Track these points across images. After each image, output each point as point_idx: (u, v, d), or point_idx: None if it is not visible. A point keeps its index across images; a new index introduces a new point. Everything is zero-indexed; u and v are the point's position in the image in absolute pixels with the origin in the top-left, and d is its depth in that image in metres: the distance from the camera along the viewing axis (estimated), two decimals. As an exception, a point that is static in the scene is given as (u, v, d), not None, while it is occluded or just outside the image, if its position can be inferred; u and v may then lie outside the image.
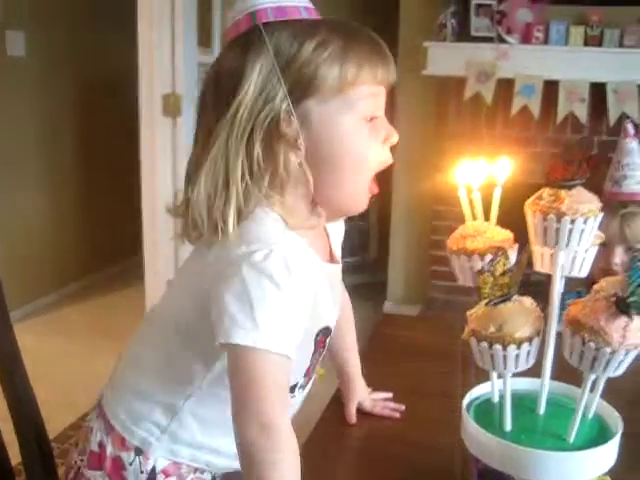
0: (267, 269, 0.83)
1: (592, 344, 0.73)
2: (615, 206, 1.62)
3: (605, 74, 3.48)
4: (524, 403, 0.87)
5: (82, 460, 1.06)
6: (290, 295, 0.84)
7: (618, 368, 0.75)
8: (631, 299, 0.72)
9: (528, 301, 0.79)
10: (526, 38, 3.60)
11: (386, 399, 1.23)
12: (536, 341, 0.78)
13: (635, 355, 0.75)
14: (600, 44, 3.54)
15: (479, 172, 0.87)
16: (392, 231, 4.13)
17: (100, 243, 4.37)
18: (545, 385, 0.85)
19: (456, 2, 3.63)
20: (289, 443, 0.83)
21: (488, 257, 0.82)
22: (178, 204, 0.95)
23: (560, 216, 0.76)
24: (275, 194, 0.89)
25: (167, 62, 3.14)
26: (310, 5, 0.93)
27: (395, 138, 0.94)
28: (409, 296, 4.13)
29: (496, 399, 0.88)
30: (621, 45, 3.52)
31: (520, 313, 0.77)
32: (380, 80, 0.91)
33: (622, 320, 0.73)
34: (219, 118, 0.88)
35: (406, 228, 4.09)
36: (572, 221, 0.76)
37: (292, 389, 1.01)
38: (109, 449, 1.02)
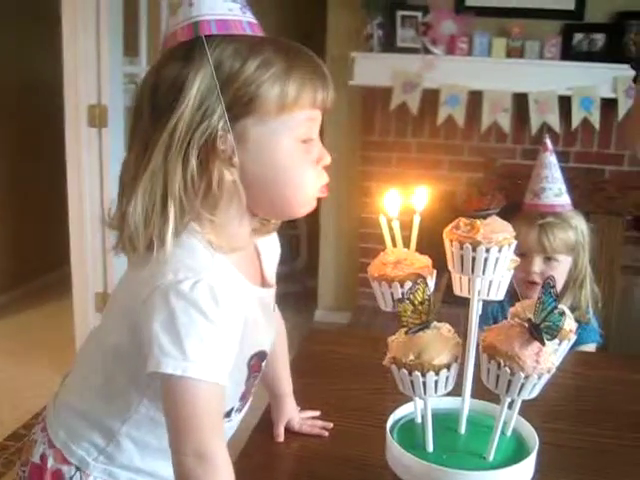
0: (194, 299, 0.83)
1: (507, 369, 0.76)
2: (534, 217, 1.67)
3: (527, 85, 3.58)
4: (446, 422, 0.90)
5: (24, 472, 1.05)
6: (218, 324, 0.84)
7: (532, 391, 0.78)
8: (544, 324, 0.76)
9: (446, 328, 0.82)
10: (451, 49, 3.67)
11: (313, 417, 1.24)
12: (454, 367, 0.81)
13: (547, 378, 0.78)
14: (522, 55, 3.63)
15: (396, 202, 0.89)
16: (321, 240, 4.16)
17: (27, 255, 4.27)
18: (465, 406, 0.88)
19: (382, 13, 3.67)
20: (225, 469, 0.84)
21: (408, 284, 0.84)
22: (112, 216, 0.93)
23: (476, 245, 0.78)
24: (206, 212, 0.89)
25: (92, 72, 3.09)
26: (254, 20, 0.92)
27: (328, 160, 0.94)
28: (339, 304, 4.16)
29: (419, 420, 0.90)
30: (541, 57, 3.62)
31: (438, 340, 0.79)
32: (319, 104, 0.91)
33: (535, 346, 0.76)
34: (157, 130, 0.86)
35: (335, 236, 4.12)
36: (487, 250, 0.78)
37: (228, 414, 1.02)
38: (50, 462, 1.01)
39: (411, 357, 0.78)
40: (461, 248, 0.79)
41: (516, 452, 0.86)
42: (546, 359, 0.76)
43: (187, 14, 0.88)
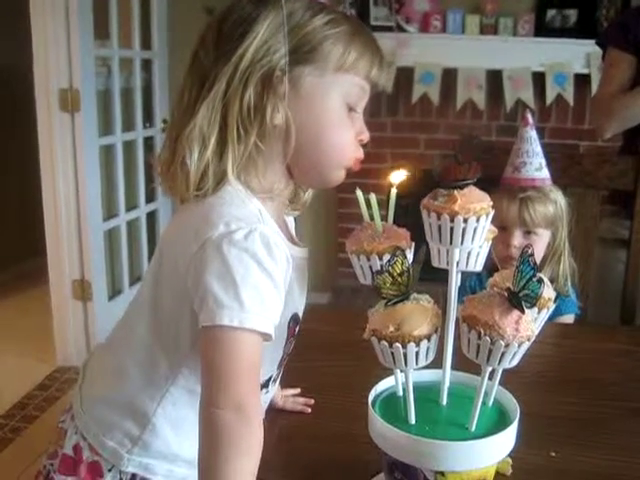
0: (249, 247, 0.82)
1: (487, 338, 0.76)
2: (514, 190, 1.67)
3: (500, 61, 3.59)
4: (428, 395, 0.90)
5: (52, 465, 1.00)
6: (272, 275, 0.84)
7: (513, 359, 0.78)
8: (522, 293, 0.76)
9: (426, 299, 0.82)
10: (424, 27, 3.68)
11: (295, 395, 1.24)
12: (434, 337, 0.81)
13: (528, 346, 0.78)
14: (495, 32, 3.64)
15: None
16: (298, 220, 4.14)
17: (1, 243, 4.22)
18: (446, 377, 0.88)
19: (355, -9, 3.67)
20: (260, 426, 0.82)
21: (386, 257, 0.84)
22: (160, 157, 0.94)
23: (453, 215, 0.78)
24: (255, 151, 0.90)
25: (63, 56, 3.05)
26: None
27: (367, 136, 0.97)
28: (318, 284, 4.15)
29: (400, 393, 0.90)
30: (515, 34, 3.63)
31: (418, 312, 0.79)
32: (373, 77, 0.94)
33: (515, 314, 0.76)
34: (219, 62, 0.88)
35: (313, 216, 4.12)
36: (465, 220, 0.78)
37: (266, 383, 1.00)
38: (86, 453, 0.97)
39: (391, 329, 0.78)
40: (439, 219, 0.79)
41: (498, 422, 0.86)
42: (526, 327, 0.76)
43: None
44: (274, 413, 1.20)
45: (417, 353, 0.79)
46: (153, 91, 3.68)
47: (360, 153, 0.97)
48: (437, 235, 0.80)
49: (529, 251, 0.76)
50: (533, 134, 1.68)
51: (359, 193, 0.87)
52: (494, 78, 3.62)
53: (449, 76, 3.62)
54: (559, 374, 1.36)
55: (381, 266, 0.82)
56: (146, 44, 3.60)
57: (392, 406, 0.89)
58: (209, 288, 0.82)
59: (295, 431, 1.17)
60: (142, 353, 0.96)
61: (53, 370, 3.27)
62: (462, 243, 0.80)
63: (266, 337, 0.84)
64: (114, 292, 3.54)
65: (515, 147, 1.69)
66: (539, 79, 3.59)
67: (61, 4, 3.00)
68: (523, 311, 0.75)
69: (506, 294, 0.77)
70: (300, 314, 1.02)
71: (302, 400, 1.22)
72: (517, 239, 1.66)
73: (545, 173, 1.69)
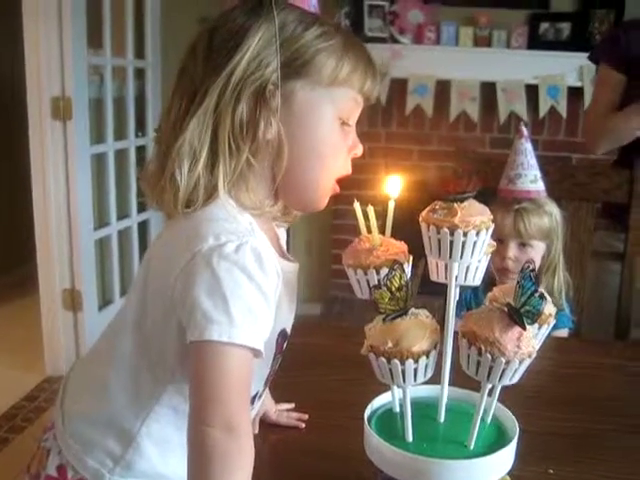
0: (239, 260, 0.81)
1: (488, 355, 0.75)
2: (509, 202, 1.67)
3: (494, 74, 3.59)
4: (425, 411, 0.88)
5: None
6: (263, 289, 0.82)
7: (514, 376, 0.77)
8: (523, 309, 0.74)
9: (424, 314, 0.80)
10: (418, 38, 3.68)
11: (289, 409, 1.22)
12: (433, 354, 0.79)
13: (529, 363, 0.76)
14: (489, 45, 3.64)
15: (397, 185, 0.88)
16: (292, 231, 4.13)
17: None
18: (444, 394, 0.86)
19: (349, 3, 3.66)
20: (250, 444, 0.80)
21: (384, 271, 0.82)
22: (147, 169, 0.91)
23: (453, 229, 0.77)
24: (247, 166, 0.88)
25: (55, 63, 3.02)
26: (317, 8, 0.96)
27: (360, 150, 0.95)
28: (311, 295, 4.14)
29: (397, 409, 0.88)
30: (509, 46, 3.64)
31: (416, 327, 0.78)
32: (366, 91, 0.93)
33: (516, 330, 0.74)
34: (210, 75, 0.87)
35: (307, 227, 4.10)
36: (465, 234, 0.77)
37: (252, 399, 0.97)
38: (70, 473, 0.94)
39: (389, 344, 0.76)
40: (438, 232, 0.78)
41: (497, 439, 0.84)
42: (527, 343, 0.74)
43: None
44: (267, 428, 1.18)
45: (415, 370, 0.78)
46: (146, 100, 3.66)
47: (348, 168, 0.96)
48: (436, 249, 0.79)
49: (530, 266, 0.75)
50: (528, 146, 1.68)
51: (357, 205, 0.86)
52: (488, 90, 3.62)
53: (443, 88, 3.62)
54: (555, 390, 1.35)
55: (379, 280, 0.81)
56: (139, 53, 3.58)
57: (389, 423, 0.88)
58: (198, 302, 0.80)
59: (288, 446, 1.15)
60: (126, 369, 0.93)
61: (42, 380, 3.23)
62: (462, 257, 0.78)
63: (256, 353, 0.82)
64: (105, 302, 3.50)
65: (510, 159, 1.69)
66: (532, 91, 3.59)
67: (54, 11, 2.98)
68: (524, 327, 0.74)
69: (507, 310, 0.76)
70: (289, 330, 0.99)
71: (296, 415, 1.20)
72: (512, 251, 1.66)
73: (540, 185, 1.69)
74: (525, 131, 1.69)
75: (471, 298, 1.65)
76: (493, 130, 3.74)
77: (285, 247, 1.04)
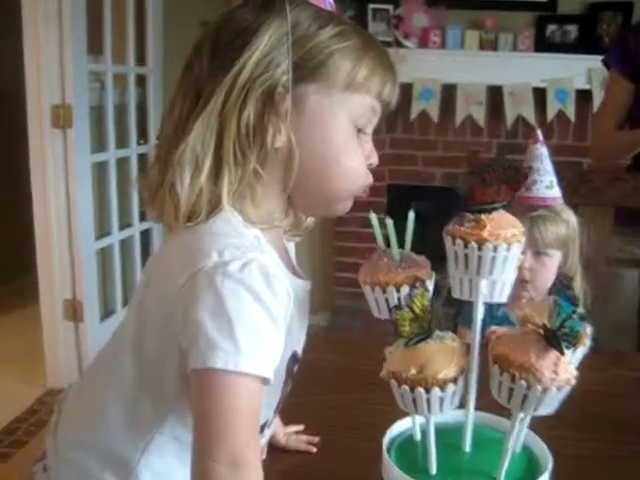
0: (245, 280, 0.73)
1: (523, 382, 0.68)
2: (524, 210, 1.60)
3: (501, 77, 3.54)
4: (448, 439, 0.81)
5: None
6: (272, 310, 0.75)
7: (550, 405, 0.70)
8: (561, 331, 0.67)
9: (450, 337, 0.73)
10: (423, 42, 3.63)
11: (298, 432, 1.15)
12: (461, 380, 0.72)
13: (567, 392, 0.70)
14: (495, 48, 3.59)
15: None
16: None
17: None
18: (469, 421, 0.79)
19: (353, 6, 3.61)
20: None
21: (405, 289, 0.75)
22: (146, 177, 0.84)
23: (482, 243, 0.70)
24: (254, 175, 0.81)
25: (55, 71, 2.98)
26: (334, 6, 0.87)
27: (375, 160, 0.88)
28: (316, 304, 4.06)
29: (418, 437, 0.81)
30: (515, 49, 3.58)
31: (443, 352, 0.71)
32: (385, 96, 0.87)
33: (553, 355, 0.67)
34: (216, 75, 0.80)
35: (309, 236, 4.03)
36: (494, 248, 0.70)
37: (261, 428, 0.89)
38: None
39: (413, 371, 0.69)
40: (465, 246, 0.71)
41: (528, 471, 0.78)
42: (565, 369, 0.67)
43: None
44: (275, 453, 1.11)
45: (442, 398, 0.71)
46: (147, 107, 3.61)
47: (370, 179, 0.88)
48: (463, 264, 0.72)
49: (565, 282, 0.68)
50: (544, 151, 1.62)
51: (373, 216, 0.79)
52: (494, 94, 3.56)
53: (448, 92, 3.56)
54: (578, 408, 1.28)
55: (399, 300, 0.74)
56: (140, 59, 3.53)
57: (409, 452, 0.81)
58: (200, 326, 0.73)
59: (298, 472, 1.08)
60: (124, 394, 0.86)
61: (43, 393, 3.17)
62: (491, 273, 0.71)
63: (265, 381, 0.75)
64: (106, 313, 3.45)
65: (525, 165, 1.62)
66: (540, 95, 3.53)
67: (54, 18, 2.93)
68: (562, 352, 0.67)
69: (543, 332, 0.69)
70: (300, 352, 0.93)
71: (305, 438, 1.13)
72: (528, 260, 1.59)
73: (556, 191, 1.62)
74: (540, 135, 1.62)
75: (486, 313, 1.58)
76: (500, 135, 3.68)
77: (295, 262, 0.98)
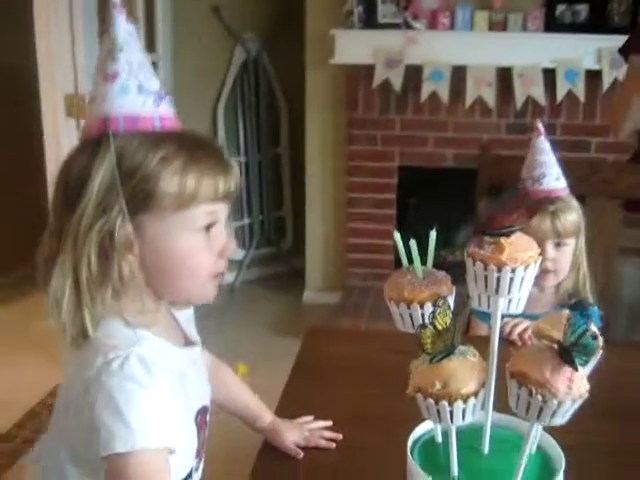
0: (126, 373, 0.86)
1: (539, 397, 0.73)
2: (542, 203, 1.64)
3: (510, 58, 3.54)
4: (467, 441, 0.87)
5: None
6: (154, 390, 0.87)
7: (564, 417, 0.75)
8: (574, 348, 0.72)
9: (471, 352, 0.78)
10: (433, 24, 3.63)
11: (323, 428, 1.20)
12: (482, 393, 0.78)
13: (580, 403, 0.75)
14: (504, 29, 3.59)
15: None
16: (307, 220, 4.11)
17: (3, 247, 4.19)
18: (488, 425, 0.84)
19: (363, -11, 3.61)
20: None
21: (428, 306, 0.80)
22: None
23: (501, 266, 0.75)
24: (114, 299, 0.92)
25: (68, 61, 3.02)
26: (167, 113, 0.94)
27: (231, 250, 0.97)
28: (327, 284, 4.13)
29: (439, 439, 0.87)
30: (525, 29, 3.58)
31: (465, 368, 0.76)
32: (220, 195, 0.94)
33: (567, 371, 0.72)
34: (67, 218, 0.90)
35: (321, 216, 4.08)
36: (513, 270, 0.75)
37: (190, 474, 1.02)
38: None
39: (438, 387, 0.75)
40: (485, 269, 0.76)
41: (542, 470, 0.83)
42: (579, 384, 0.73)
43: (99, 109, 0.91)
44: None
45: (464, 410, 0.76)
46: (158, 93, 3.64)
47: (221, 266, 0.98)
48: (482, 283, 0.77)
49: (580, 302, 0.73)
50: (547, 145, 1.66)
51: (397, 236, 0.83)
52: (504, 75, 3.57)
53: (458, 74, 3.57)
54: (589, 400, 1.33)
55: (422, 316, 0.79)
56: (151, 46, 3.56)
57: (431, 453, 0.87)
58: (99, 419, 0.85)
59: (320, 470, 1.14)
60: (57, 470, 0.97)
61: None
62: (509, 292, 0.76)
63: (168, 450, 0.87)
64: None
65: (530, 159, 1.66)
66: (549, 76, 3.54)
67: (65, 8, 2.96)
68: (577, 368, 0.72)
69: (557, 348, 0.74)
70: (208, 404, 1.06)
71: (328, 435, 1.19)
72: (550, 252, 1.65)
73: (563, 182, 1.67)
74: (542, 128, 1.65)
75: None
76: (509, 116, 3.69)
77: (189, 327, 1.09)
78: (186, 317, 1.09)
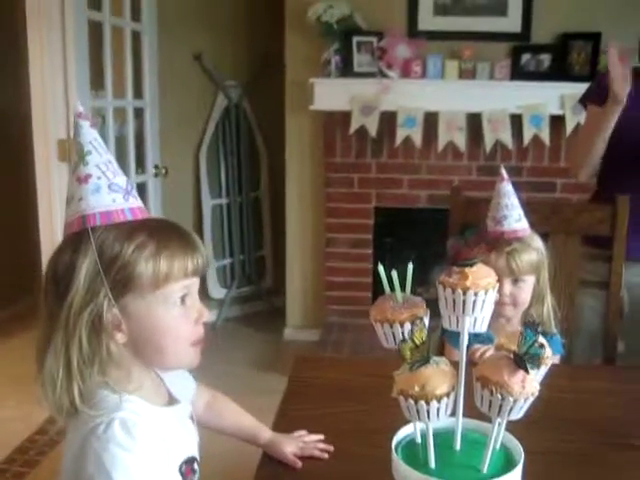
0: (109, 437, 0.98)
1: (499, 395, 0.90)
2: (500, 244, 1.78)
3: (479, 105, 3.74)
4: (442, 440, 1.03)
5: None
6: (136, 452, 0.98)
7: (519, 412, 0.92)
8: (527, 356, 0.90)
9: (444, 362, 0.95)
10: (406, 72, 3.81)
11: (316, 441, 1.35)
12: (452, 395, 0.94)
13: (532, 400, 0.91)
14: (473, 77, 3.79)
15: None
16: (288, 260, 4.23)
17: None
18: (459, 426, 1.01)
19: (339, 39, 3.80)
20: None
21: (407, 325, 0.97)
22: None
23: (465, 290, 0.92)
24: (101, 373, 1.04)
25: (61, 107, 3.14)
26: (136, 204, 1.06)
27: (205, 317, 1.11)
28: (307, 322, 4.24)
29: (419, 440, 1.02)
30: (492, 77, 3.79)
31: (438, 374, 0.93)
32: (190, 272, 1.07)
33: (521, 374, 0.90)
34: (60, 305, 1.01)
35: (301, 256, 4.21)
36: (475, 294, 0.92)
37: None
38: None
39: (416, 389, 0.91)
40: (453, 293, 0.93)
41: (505, 463, 0.99)
42: (530, 384, 0.90)
43: (77, 208, 1.03)
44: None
45: (438, 409, 0.92)
46: (145, 138, 3.78)
47: (201, 332, 1.11)
48: (451, 306, 0.94)
49: (531, 319, 0.90)
50: (510, 188, 1.78)
51: (381, 269, 1.00)
52: (474, 121, 3.76)
53: (430, 119, 3.75)
54: (553, 414, 1.48)
55: (403, 334, 0.96)
56: (138, 93, 3.70)
57: (412, 451, 1.02)
58: (91, 479, 0.96)
59: (315, 474, 1.28)
60: None
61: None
62: (473, 312, 0.93)
63: None
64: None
65: (494, 201, 1.78)
66: (516, 120, 3.74)
67: (59, 55, 3.09)
68: (528, 372, 0.89)
69: (513, 357, 0.91)
70: (195, 454, 1.17)
71: (321, 446, 1.33)
72: (507, 287, 1.78)
73: (524, 223, 1.79)
74: (505, 174, 1.79)
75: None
76: (479, 158, 3.88)
77: (175, 385, 1.20)
78: (175, 373, 1.20)
